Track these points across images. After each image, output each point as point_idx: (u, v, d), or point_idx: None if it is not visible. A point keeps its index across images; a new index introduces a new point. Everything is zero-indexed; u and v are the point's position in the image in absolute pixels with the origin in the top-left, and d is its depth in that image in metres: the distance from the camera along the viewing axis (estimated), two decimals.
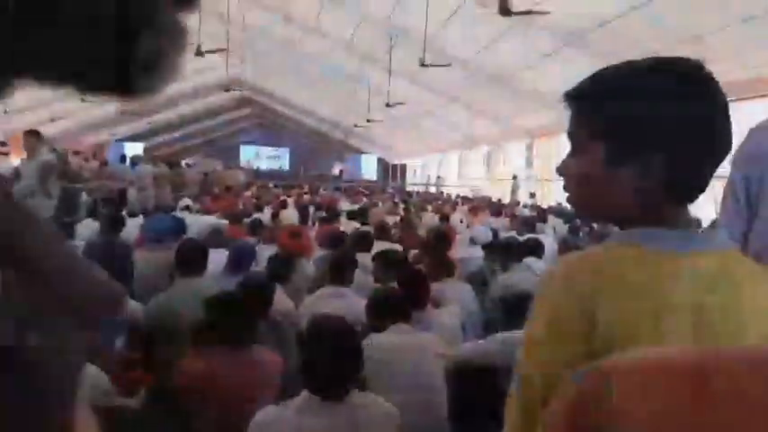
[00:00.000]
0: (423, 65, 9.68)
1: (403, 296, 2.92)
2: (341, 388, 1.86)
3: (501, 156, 17.90)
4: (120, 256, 4.71)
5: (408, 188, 22.53)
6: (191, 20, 0.37)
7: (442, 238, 5.52)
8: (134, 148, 21.98)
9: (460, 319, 3.69)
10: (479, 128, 16.70)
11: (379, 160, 29.92)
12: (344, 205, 12.02)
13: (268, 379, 2.44)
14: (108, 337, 3.10)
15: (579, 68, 10.17)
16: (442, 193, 19.37)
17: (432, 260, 4.53)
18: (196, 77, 21.27)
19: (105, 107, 18.82)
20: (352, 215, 9.78)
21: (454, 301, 3.91)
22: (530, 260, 4.95)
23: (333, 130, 26.32)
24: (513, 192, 15.70)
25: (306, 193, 16.06)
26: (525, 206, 13.66)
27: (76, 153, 12.60)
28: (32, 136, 6.71)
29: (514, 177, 15.97)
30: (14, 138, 15.08)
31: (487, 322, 4.24)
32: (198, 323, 2.64)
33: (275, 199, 12.31)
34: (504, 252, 4.59)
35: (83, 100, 14.90)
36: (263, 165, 35.92)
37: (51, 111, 15.81)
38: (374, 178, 28.31)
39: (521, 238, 5.70)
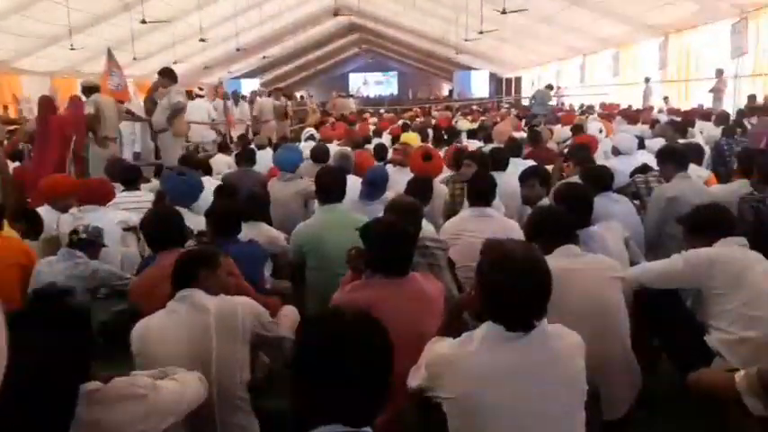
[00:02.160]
0: None
1: (568, 215, 2.61)
2: (531, 318, 1.64)
3: (630, 58, 16.32)
4: (257, 186, 4.76)
5: (525, 102, 21.38)
6: None
7: (587, 148, 5.07)
8: (249, 84, 22.54)
9: (623, 235, 3.33)
10: (604, 29, 15.25)
11: (491, 75, 28.59)
12: (462, 124, 11.59)
13: (433, 308, 2.28)
14: (254, 267, 3.10)
15: None
16: (563, 103, 18.18)
17: (583, 172, 4.12)
18: (305, 6, 21.18)
19: (221, 47, 19.29)
20: (472, 134, 9.40)
21: (611, 216, 3.52)
22: (691, 167, 4.39)
23: (440, 48, 25.33)
24: (646, 96, 14.33)
25: (417, 116, 15.73)
26: (661, 111, 12.46)
27: (200, 91, 13.02)
28: (165, 75, 6.90)
29: (647, 80, 14.53)
30: (143, 83, 15.88)
31: (650, 238, 3.84)
32: (353, 251, 2.51)
33: (390, 123, 12.13)
34: (666, 159, 4.06)
35: (202, 40, 15.30)
36: (372, 91, 35.85)
37: (174, 54, 16.39)
38: (485, 95, 27.17)
39: (680, 143, 5.08)
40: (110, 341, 2.69)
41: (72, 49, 12.77)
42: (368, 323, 1.29)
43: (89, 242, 3.16)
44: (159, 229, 2.81)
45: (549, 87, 15.61)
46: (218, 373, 1.99)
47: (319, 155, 5.52)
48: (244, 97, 13.40)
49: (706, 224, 2.68)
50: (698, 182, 4.07)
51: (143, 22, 12.29)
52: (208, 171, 5.54)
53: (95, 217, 3.69)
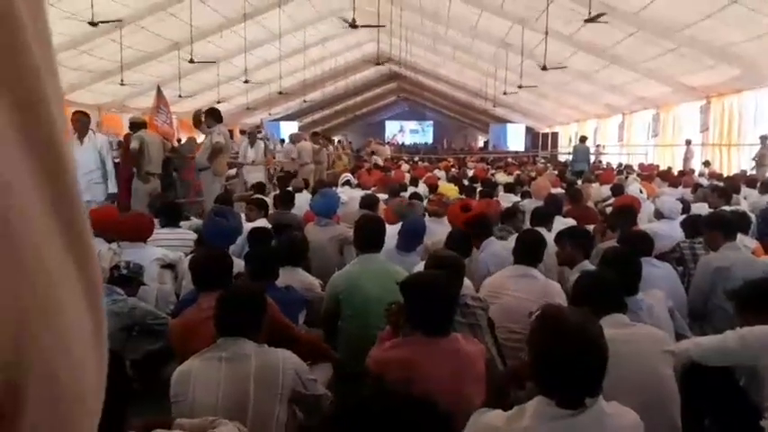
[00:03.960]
0: (588, 20, 8.84)
1: (617, 281, 2.53)
2: (584, 396, 1.56)
3: (670, 119, 16.20)
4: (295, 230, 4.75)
5: (561, 158, 21.31)
6: None
7: (630, 210, 4.97)
8: (288, 127, 23.00)
9: (667, 304, 3.21)
10: (644, 89, 15.22)
11: (527, 129, 28.69)
12: (500, 178, 11.56)
13: (473, 372, 2.20)
14: (291, 315, 3.06)
15: (766, 18, 8.85)
16: (600, 162, 18.05)
17: (622, 236, 4.04)
18: (347, 54, 21.74)
19: (264, 89, 19.82)
20: (509, 187, 9.35)
21: (652, 282, 3.40)
22: (739, 237, 4.25)
23: (477, 100, 25.61)
24: (687, 159, 14.13)
25: (453, 166, 15.79)
26: (701, 175, 12.26)
27: (242, 132, 13.33)
28: (210, 115, 7.07)
29: (688, 143, 14.35)
30: (187, 120, 16.34)
31: (695, 308, 3.70)
32: (393, 306, 2.46)
33: (425, 172, 12.19)
34: (714, 227, 3.94)
35: (246, 81, 15.74)
36: (408, 139, 36.28)
37: (218, 93, 16.90)
38: (521, 148, 27.22)
39: (727, 211, 4.95)
40: (141, 381, 2.67)
41: (122, 84, 13.26)
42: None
43: (129, 279, 3.17)
44: (208, 268, 2.81)
45: (584, 140, 15.57)
46: (253, 429, 1.93)
47: (367, 204, 5.56)
48: (283, 140, 13.67)
49: (759, 300, 2.56)
50: (747, 253, 3.93)
51: (191, 61, 12.72)
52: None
53: (135, 253, 3.72)
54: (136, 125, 7.11)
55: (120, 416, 1.51)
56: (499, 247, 4.11)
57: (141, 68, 14.31)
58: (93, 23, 9.95)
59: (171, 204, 5.16)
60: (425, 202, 6.64)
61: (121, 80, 13.15)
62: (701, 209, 5.80)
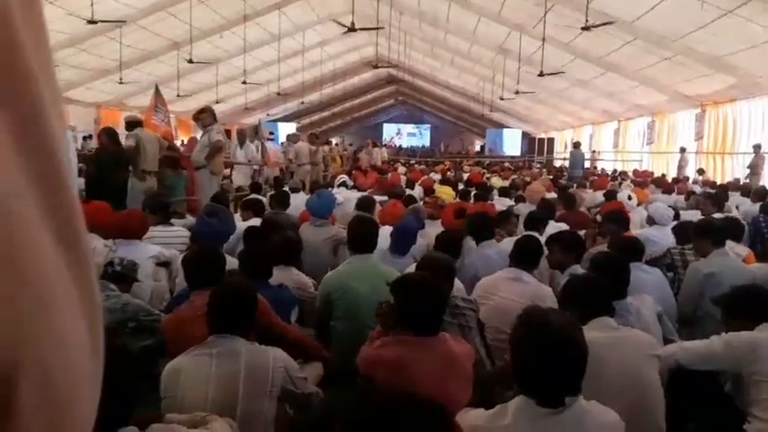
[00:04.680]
0: (585, 28, 8.90)
1: (606, 285, 2.56)
2: (562, 395, 1.59)
3: (665, 126, 16.29)
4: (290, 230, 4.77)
5: (556, 163, 21.39)
6: None
7: (621, 216, 5.01)
8: (286, 127, 23.03)
9: (656, 309, 3.25)
10: (640, 96, 15.32)
11: (524, 134, 28.80)
12: (495, 182, 11.61)
13: (461, 372, 2.23)
14: (283, 313, 3.09)
15: (761, 28, 8.90)
16: (595, 167, 18.13)
17: (613, 242, 4.08)
18: (346, 56, 21.79)
19: (262, 90, 19.86)
20: (504, 191, 9.39)
21: (642, 287, 3.44)
22: (730, 243, 4.30)
23: (474, 105, 25.72)
24: (681, 167, 14.21)
25: (449, 170, 15.84)
26: (695, 182, 12.34)
27: (239, 132, 13.34)
28: (206, 114, 7.08)
29: (682, 150, 14.44)
30: (184, 120, 16.37)
31: (684, 314, 3.74)
32: (384, 306, 2.49)
33: (421, 175, 12.23)
34: (703, 234, 3.99)
35: (244, 82, 15.76)
36: (405, 142, 36.36)
37: (216, 94, 16.93)
38: (517, 153, 27.33)
39: (717, 218, 5.00)
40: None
41: (121, 82, 13.28)
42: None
43: (123, 275, 3.19)
44: (201, 266, 2.84)
45: (577, 145, 15.66)
46: (242, 426, 1.96)
47: (364, 206, 5.57)
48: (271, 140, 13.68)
49: (746, 306, 2.60)
50: (736, 259, 3.98)
51: (190, 61, 12.75)
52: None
53: (130, 250, 3.74)
54: (131, 124, 7.09)
55: (126, 414, 1.54)
56: (491, 251, 4.14)
57: (140, 67, 14.33)
58: (92, 21, 9.96)
59: (167, 203, 5.18)
60: (421, 204, 6.67)
61: (120, 78, 13.17)
62: (694, 216, 5.84)
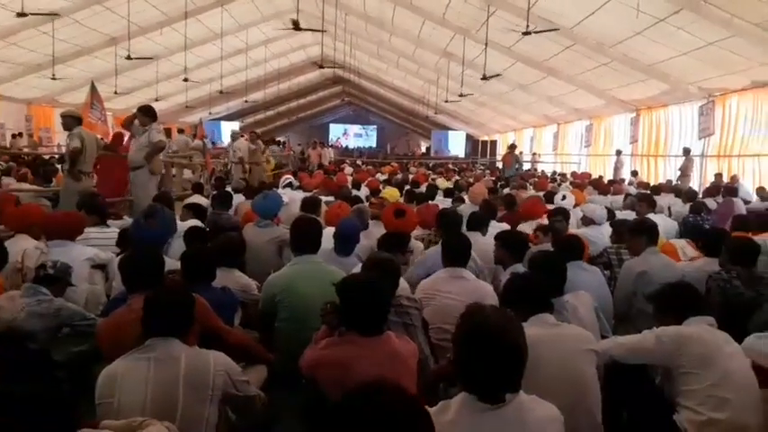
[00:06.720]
0: (526, 32, 9.14)
1: (543, 283, 2.63)
2: (501, 391, 1.63)
3: (602, 130, 16.90)
4: (231, 231, 4.68)
5: (499, 164, 21.86)
6: None
7: (563, 219, 5.16)
8: (229, 126, 22.64)
9: (593, 305, 3.36)
10: (579, 100, 15.85)
11: (468, 137, 29.30)
12: (440, 183, 11.75)
13: (406, 370, 2.25)
14: (226, 316, 3.03)
15: (691, 36, 9.33)
16: (536, 169, 18.63)
17: (554, 241, 4.20)
18: (291, 56, 21.58)
19: (204, 88, 19.43)
20: (449, 192, 9.51)
21: (581, 285, 3.56)
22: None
23: (420, 107, 26.01)
24: (617, 169, 14.77)
25: (396, 171, 15.94)
26: (630, 184, 12.85)
27: (180, 131, 13.04)
28: (145, 113, 6.85)
29: (618, 153, 15.01)
30: (122, 117, 15.81)
31: (620, 310, 3.89)
32: (329, 306, 2.48)
33: (368, 175, 12.25)
34: (637, 233, 4.15)
35: (185, 80, 15.40)
36: (351, 143, 36.35)
37: (156, 91, 16.47)
38: (461, 155, 27.79)
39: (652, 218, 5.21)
40: (70, 382, 2.59)
41: (53, 78, 12.74)
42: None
43: (56, 279, 3.06)
44: (138, 269, 2.74)
45: (512, 147, 16.06)
46: (182, 431, 1.91)
47: (309, 207, 5.48)
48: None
49: (675, 303, 2.72)
50: (665, 257, 4.15)
51: (128, 57, 12.35)
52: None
53: (63, 252, 3.58)
54: (72, 119, 6.72)
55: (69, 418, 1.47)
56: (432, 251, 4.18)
57: (74, 63, 13.78)
58: (22, 14, 9.51)
59: (104, 203, 5.00)
60: (367, 204, 6.68)
61: (53, 74, 12.63)
62: (629, 216, 6.07)
